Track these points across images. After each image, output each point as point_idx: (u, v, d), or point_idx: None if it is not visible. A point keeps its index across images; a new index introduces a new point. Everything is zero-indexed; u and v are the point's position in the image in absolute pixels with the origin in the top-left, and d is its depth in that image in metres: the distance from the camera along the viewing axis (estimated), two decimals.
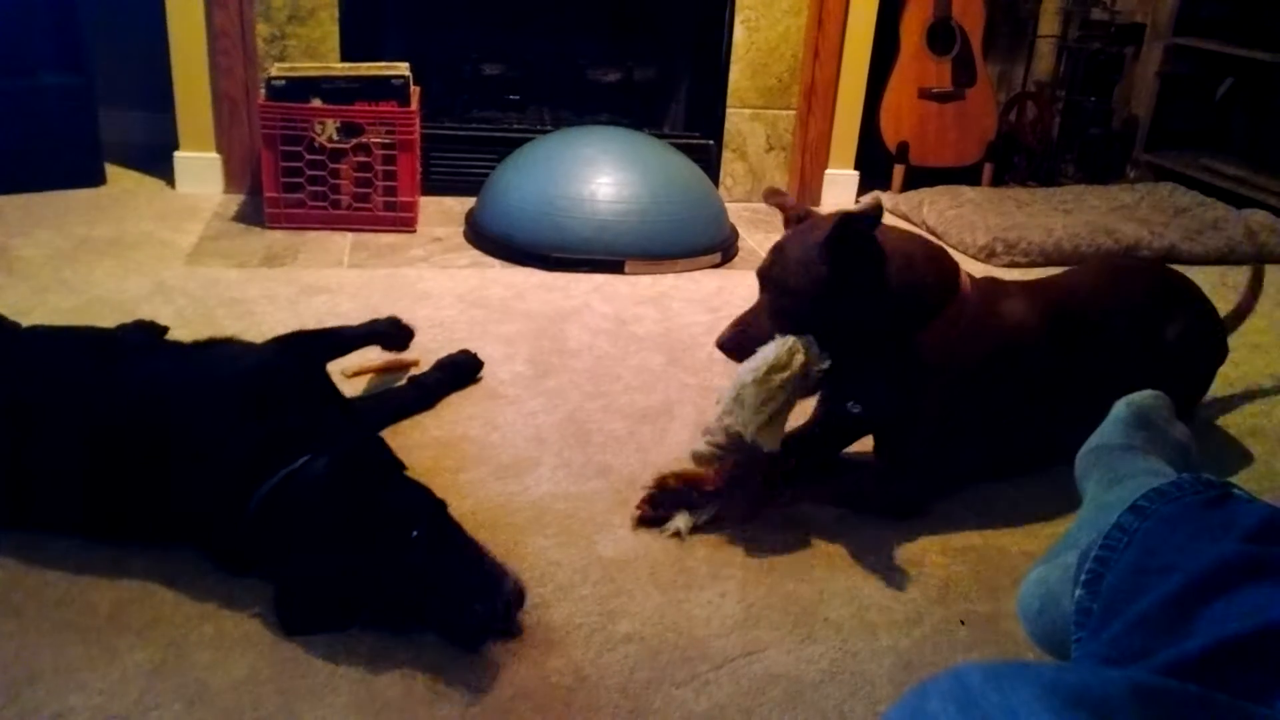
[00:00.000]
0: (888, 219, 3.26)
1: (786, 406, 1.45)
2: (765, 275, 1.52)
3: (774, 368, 1.43)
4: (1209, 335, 1.85)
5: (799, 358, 1.43)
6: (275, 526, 1.26)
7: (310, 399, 1.48)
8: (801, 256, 1.47)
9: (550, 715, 1.15)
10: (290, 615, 1.25)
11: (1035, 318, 1.62)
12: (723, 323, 2.32)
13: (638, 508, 1.52)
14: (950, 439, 1.59)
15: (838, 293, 1.45)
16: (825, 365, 1.45)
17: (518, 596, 1.24)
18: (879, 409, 1.60)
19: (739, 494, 1.52)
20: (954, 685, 0.63)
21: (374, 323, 1.85)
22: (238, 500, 1.28)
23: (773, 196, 1.64)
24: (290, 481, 1.28)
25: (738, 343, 1.52)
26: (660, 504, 1.52)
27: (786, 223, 1.59)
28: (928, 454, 1.59)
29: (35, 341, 1.59)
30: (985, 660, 1.28)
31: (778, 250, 1.52)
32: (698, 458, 1.55)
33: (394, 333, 1.85)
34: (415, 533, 1.22)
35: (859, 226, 1.43)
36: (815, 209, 1.61)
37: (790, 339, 1.44)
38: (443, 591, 1.20)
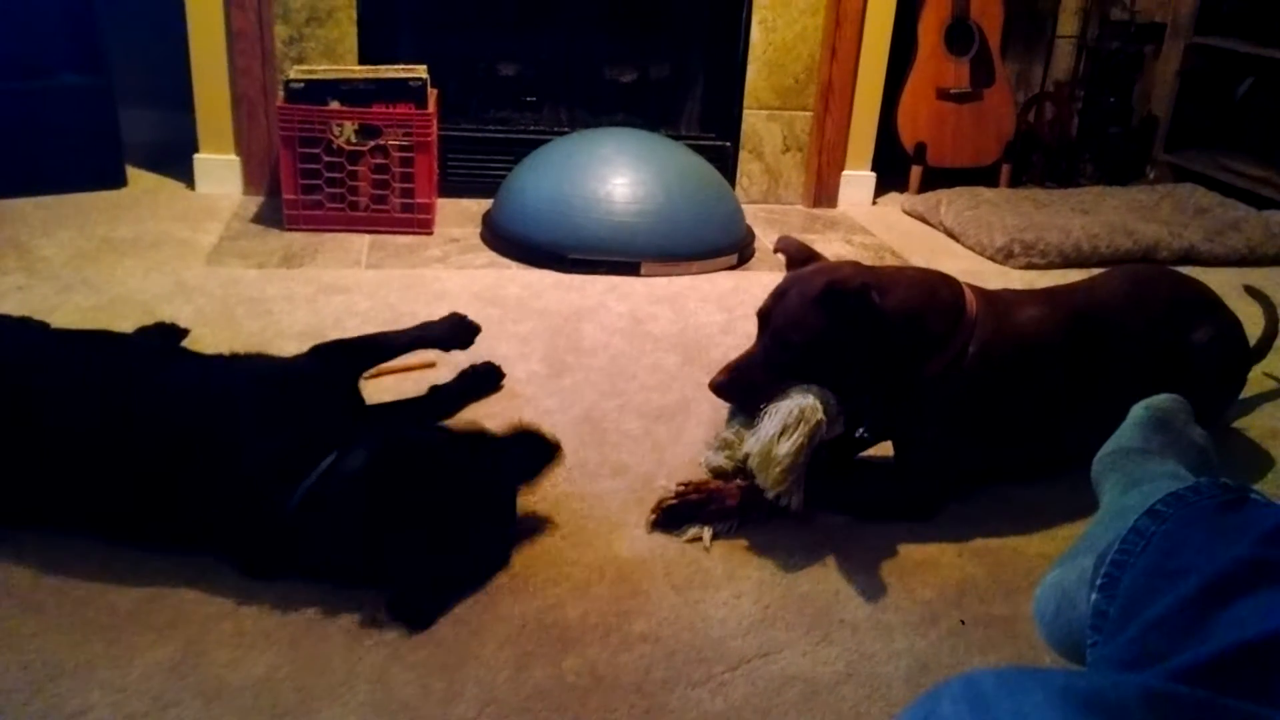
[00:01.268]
0: (904, 221, 3.27)
1: (806, 464, 1.46)
2: (765, 320, 1.53)
3: (812, 433, 1.43)
4: (1232, 345, 1.83)
5: (821, 419, 1.44)
6: (324, 520, 1.28)
7: (331, 405, 1.49)
8: (798, 308, 1.48)
9: (566, 715, 1.16)
10: (421, 606, 1.30)
11: (1053, 324, 1.62)
12: (738, 323, 2.34)
13: (653, 512, 1.52)
14: (962, 444, 1.60)
15: (834, 346, 1.47)
16: (840, 431, 1.47)
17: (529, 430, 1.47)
18: (888, 432, 1.63)
19: (755, 507, 1.52)
20: (966, 689, 0.63)
21: (426, 325, 1.77)
22: (266, 503, 1.29)
23: (780, 242, 1.64)
24: (333, 475, 1.29)
25: (733, 388, 1.53)
26: (681, 515, 1.51)
27: (789, 264, 1.60)
28: (939, 459, 1.59)
29: (63, 344, 1.59)
30: (999, 664, 1.29)
31: (778, 296, 1.52)
32: (716, 472, 1.56)
33: (451, 333, 1.76)
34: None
35: (847, 292, 1.45)
36: (819, 254, 1.61)
37: (811, 400, 1.44)
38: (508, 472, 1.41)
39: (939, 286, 1.57)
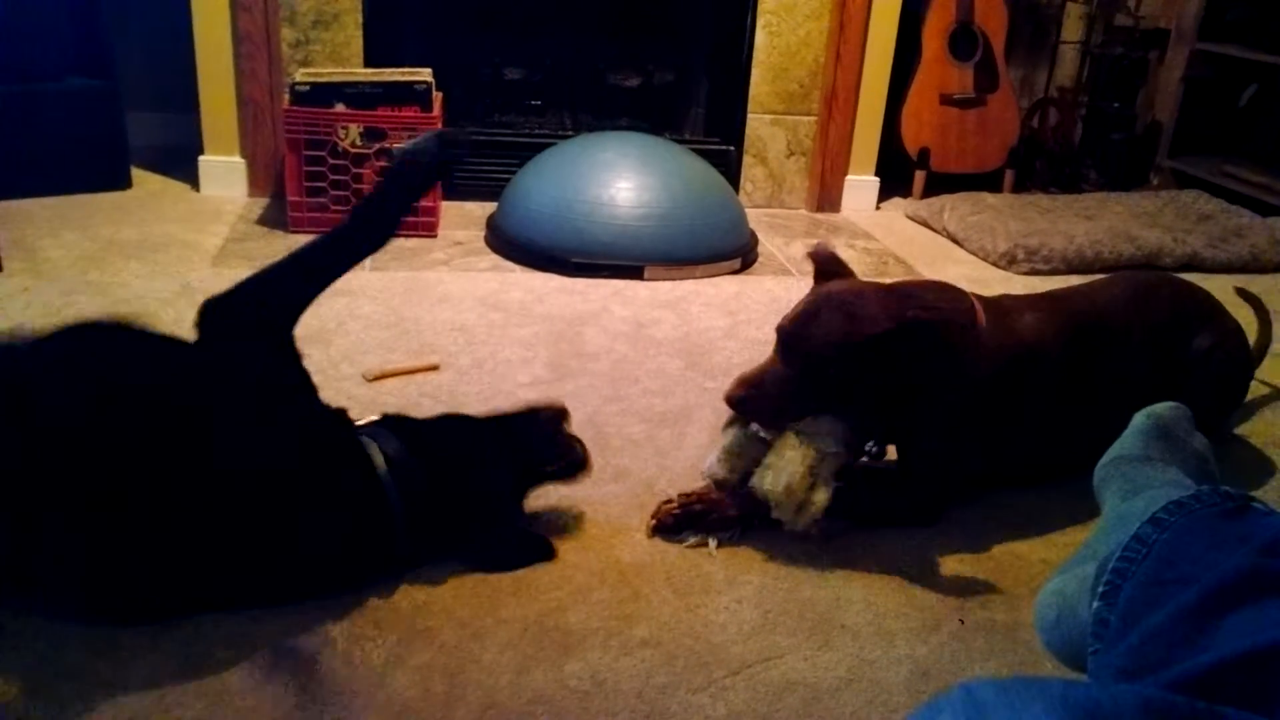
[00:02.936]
0: (907, 226, 3.28)
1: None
2: (792, 339, 1.46)
3: (836, 470, 1.44)
4: (1233, 353, 1.83)
5: (841, 454, 1.45)
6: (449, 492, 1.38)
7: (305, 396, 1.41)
8: (840, 338, 1.41)
9: (567, 719, 1.16)
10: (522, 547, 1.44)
11: (1053, 331, 1.62)
12: (741, 328, 2.34)
13: (654, 517, 1.52)
14: (964, 451, 1.60)
15: (882, 376, 1.44)
16: (845, 458, 1.48)
17: None
18: (890, 438, 1.62)
19: (755, 515, 1.52)
20: (965, 700, 0.63)
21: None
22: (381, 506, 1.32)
23: (817, 248, 1.58)
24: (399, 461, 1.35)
25: (753, 406, 1.48)
26: (682, 524, 1.51)
27: (818, 276, 1.54)
28: (941, 465, 1.59)
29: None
30: (1000, 671, 1.29)
31: (809, 317, 1.45)
32: (719, 484, 1.56)
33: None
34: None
35: (928, 325, 1.41)
36: (850, 268, 1.56)
37: (830, 440, 1.44)
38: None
39: (957, 299, 1.57)
